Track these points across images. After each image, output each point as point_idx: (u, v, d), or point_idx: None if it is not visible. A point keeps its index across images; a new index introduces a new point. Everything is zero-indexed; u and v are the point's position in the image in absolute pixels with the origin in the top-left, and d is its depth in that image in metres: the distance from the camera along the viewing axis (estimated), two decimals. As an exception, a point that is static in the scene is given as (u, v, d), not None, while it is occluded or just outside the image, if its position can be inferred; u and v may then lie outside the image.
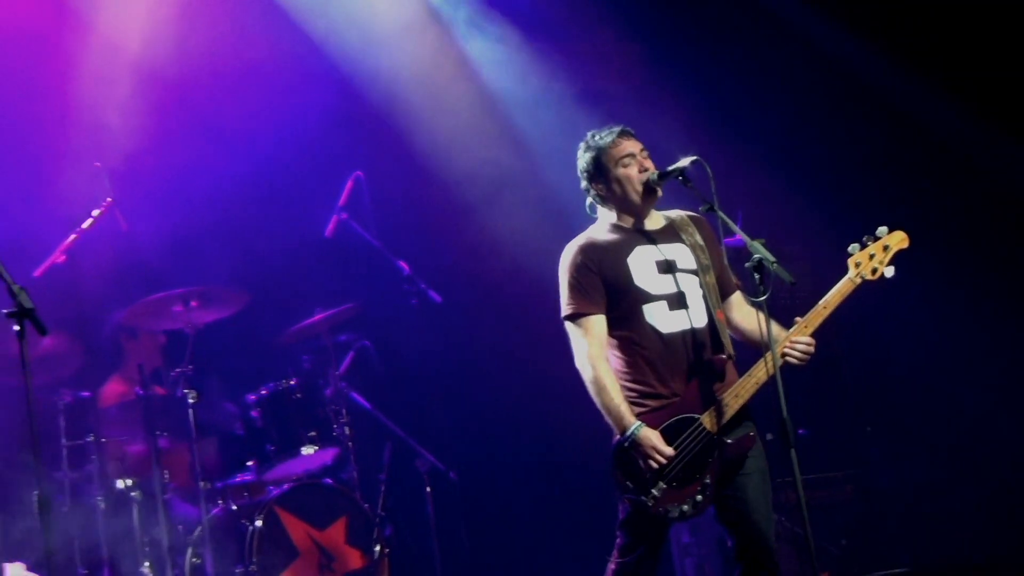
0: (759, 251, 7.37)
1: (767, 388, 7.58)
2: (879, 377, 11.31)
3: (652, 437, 7.40)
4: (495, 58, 12.59)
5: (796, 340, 7.57)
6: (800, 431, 8.08)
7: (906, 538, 11.12)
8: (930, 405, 11.49)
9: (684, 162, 7.67)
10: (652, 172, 7.76)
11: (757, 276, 7.36)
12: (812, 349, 7.58)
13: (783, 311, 7.74)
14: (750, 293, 7.60)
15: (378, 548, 10.24)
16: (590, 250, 7.77)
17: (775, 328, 7.56)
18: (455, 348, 11.95)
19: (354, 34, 12.25)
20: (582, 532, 8.56)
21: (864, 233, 7.78)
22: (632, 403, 7.55)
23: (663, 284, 7.74)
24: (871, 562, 10.89)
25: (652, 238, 7.83)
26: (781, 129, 12.19)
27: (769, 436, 8.13)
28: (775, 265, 7.33)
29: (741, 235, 7.62)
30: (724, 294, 7.93)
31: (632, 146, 7.82)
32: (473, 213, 12.23)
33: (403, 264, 11.31)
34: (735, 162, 9.38)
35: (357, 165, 11.57)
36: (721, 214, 7.63)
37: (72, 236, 10.18)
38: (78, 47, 11.35)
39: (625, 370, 7.70)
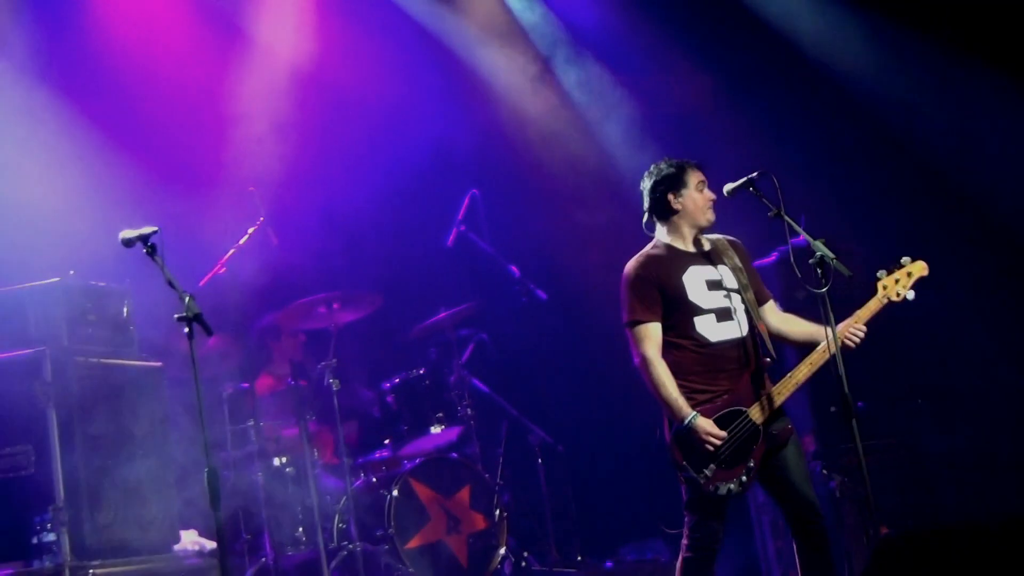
0: (821, 249, 7.41)
1: (825, 370, 7.66)
2: (928, 357, 11.08)
3: (707, 424, 7.46)
4: (587, 88, 12.38)
5: (855, 329, 7.64)
6: (859, 404, 7.84)
7: (953, 496, 10.81)
8: (971, 381, 11.20)
9: (753, 175, 7.69)
10: (727, 186, 7.75)
11: (820, 271, 7.42)
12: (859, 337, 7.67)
13: (841, 302, 7.55)
14: (813, 286, 7.50)
15: (497, 512, 10.17)
16: (650, 265, 7.78)
17: (812, 325, 7.78)
18: (560, 338, 11.82)
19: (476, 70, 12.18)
20: (669, 498, 8.38)
21: (898, 253, 7.85)
22: (684, 395, 7.61)
23: (712, 300, 7.76)
24: (922, 517, 10.59)
25: (702, 259, 7.85)
26: (836, 147, 12.10)
27: (832, 408, 8.44)
28: (835, 261, 7.40)
29: (804, 235, 7.62)
30: (760, 304, 7.93)
31: (701, 177, 7.86)
32: (569, 221, 12.07)
33: (513, 268, 11.24)
34: (794, 174, 9.17)
35: (473, 183, 11.50)
36: (787, 218, 7.63)
37: (230, 251, 10.16)
38: (235, 88, 11.35)
39: (680, 370, 7.68)
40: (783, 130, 11.86)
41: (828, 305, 7.41)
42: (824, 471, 9.55)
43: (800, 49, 12.34)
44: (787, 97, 12.22)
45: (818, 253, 7.42)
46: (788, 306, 8.10)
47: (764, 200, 7.64)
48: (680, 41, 12.18)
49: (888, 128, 12.07)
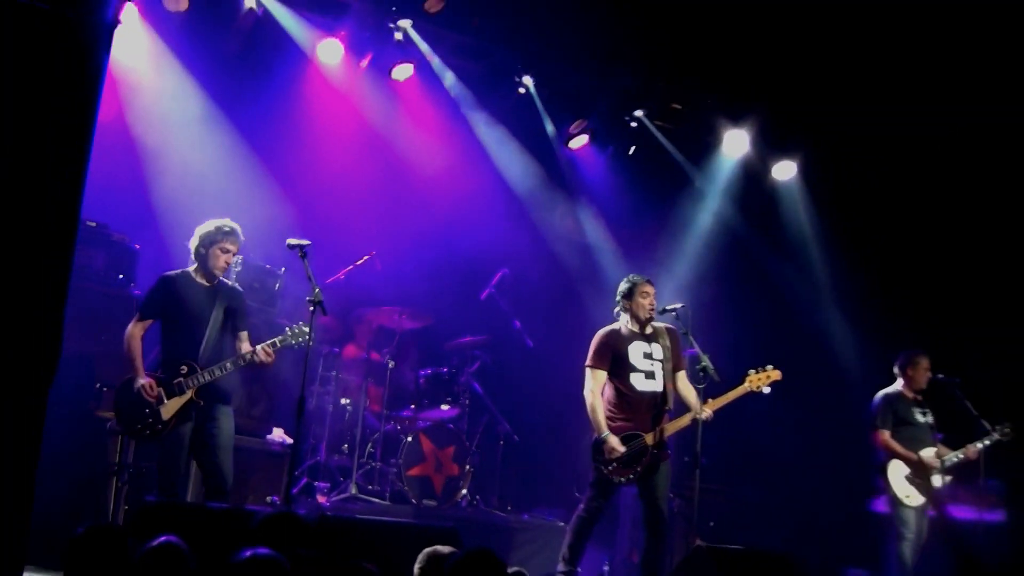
0: (703, 360, 7.78)
1: (689, 433, 8.02)
2: (753, 436, 11.04)
3: (614, 440, 7.83)
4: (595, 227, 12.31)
5: (708, 411, 7.87)
6: (703, 459, 8.08)
7: (753, 530, 10.90)
8: (780, 453, 11.29)
9: (676, 305, 8.12)
10: (653, 308, 8.09)
11: (702, 374, 7.81)
12: (712, 416, 7.88)
13: (709, 391, 7.95)
14: (694, 382, 8.02)
15: (467, 467, 10.16)
16: (612, 335, 8.10)
17: (697, 400, 7.90)
18: (533, 371, 11.59)
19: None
20: (580, 479, 8.65)
21: (760, 364, 8.08)
22: (609, 420, 7.90)
23: (644, 364, 8.04)
24: (729, 539, 10.66)
25: (643, 338, 8.11)
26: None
27: (686, 458, 8.43)
28: (710, 369, 7.78)
29: (696, 349, 7.92)
30: (675, 372, 8.13)
31: (651, 290, 8.14)
32: (554, 302, 12.09)
33: (516, 322, 11.22)
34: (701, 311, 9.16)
35: (505, 264, 11.34)
36: (691, 337, 8.00)
37: (349, 267, 10.19)
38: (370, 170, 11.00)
39: (611, 404, 8.01)
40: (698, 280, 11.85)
41: (698, 393, 7.88)
42: (671, 495, 9.31)
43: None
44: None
45: (703, 364, 7.81)
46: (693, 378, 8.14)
47: (678, 322, 8.02)
48: (647, 207, 12.18)
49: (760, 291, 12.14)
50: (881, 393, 9.29)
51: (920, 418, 9.29)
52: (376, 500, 9.75)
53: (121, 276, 8.83)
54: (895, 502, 9.15)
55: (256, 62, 10.15)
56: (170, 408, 7.19)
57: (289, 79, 10.35)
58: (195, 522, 5.56)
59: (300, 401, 6.99)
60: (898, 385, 9.39)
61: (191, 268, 7.47)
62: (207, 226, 7.41)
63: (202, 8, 9.58)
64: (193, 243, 7.43)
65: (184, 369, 7.24)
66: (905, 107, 10.44)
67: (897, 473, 9.15)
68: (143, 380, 7.19)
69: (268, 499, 8.78)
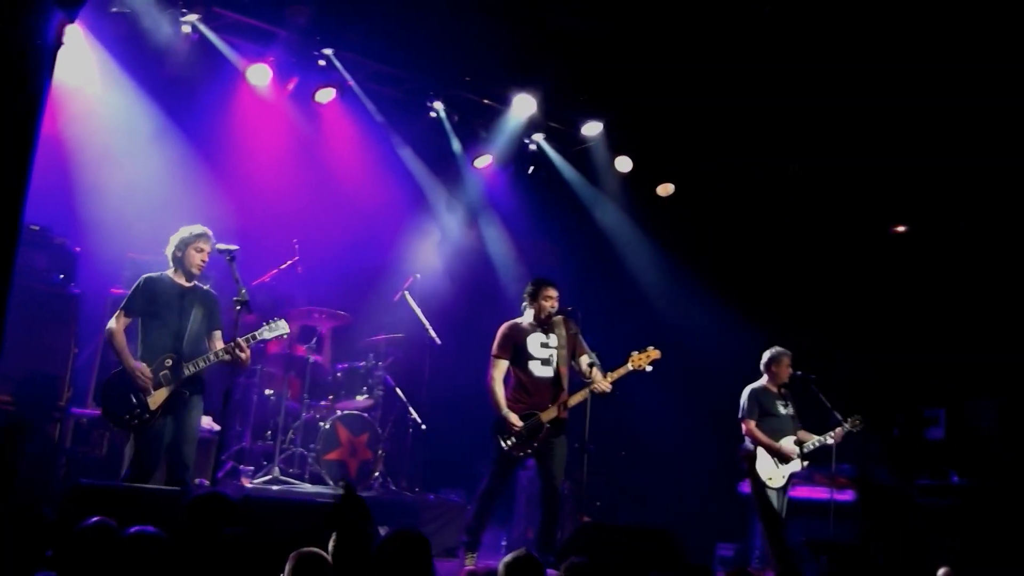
0: (592, 358, 8.13)
1: (577, 423, 8.12)
2: (633, 426, 11.36)
3: (512, 417, 7.98)
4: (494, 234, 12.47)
5: (600, 386, 8.06)
6: (590, 446, 8.28)
7: (631, 508, 11.21)
8: (658, 443, 11.52)
9: (570, 308, 8.31)
10: (555, 307, 8.23)
11: (590, 370, 8.10)
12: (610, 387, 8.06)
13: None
14: (585, 379, 8.17)
15: (379, 452, 10.17)
16: (513, 328, 8.26)
17: (598, 373, 8.09)
18: (440, 365, 11.21)
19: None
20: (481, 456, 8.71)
21: (642, 344, 8.28)
22: (511, 402, 8.04)
23: (541, 352, 8.19)
24: (613, 517, 11.00)
25: (541, 329, 8.26)
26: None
27: (576, 445, 8.42)
28: (598, 366, 8.09)
29: (586, 350, 8.19)
30: (573, 357, 8.24)
31: (554, 293, 8.30)
32: (462, 300, 12.03)
33: (426, 322, 10.82)
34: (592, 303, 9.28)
35: (415, 267, 11.42)
36: (579, 337, 8.23)
37: (274, 271, 10.23)
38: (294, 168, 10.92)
39: (513, 389, 8.14)
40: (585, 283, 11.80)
41: (593, 369, 8.05)
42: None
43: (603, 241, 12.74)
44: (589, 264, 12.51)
45: (590, 361, 8.06)
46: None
47: (570, 319, 8.26)
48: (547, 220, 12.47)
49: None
50: (749, 387, 9.47)
51: (782, 410, 9.56)
52: (296, 482, 9.74)
53: (62, 276, 8.78)
54: (759, 484, 9.40)
55: (193, 80, 10.07)
56: (157, 398, 7.16)
57: (223, 97, 10.33)
58: (127, 503, 5.59)
59: (227, 392, 7.08)
60: (763, 380, 9.68)
61: (169, 271, 7.46)
62: (181, 231, 7.40)
63: (143, 30, 9.50)
64: (169, 249, 7.42)
65: (169, 362, 7.22)
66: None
67: (762, 459, 9.38)
68: (137, 364, 7.16)
69: (196, 481, 8.67)
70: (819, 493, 10.05)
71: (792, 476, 9.37)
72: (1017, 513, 9.44)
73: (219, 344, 7.43)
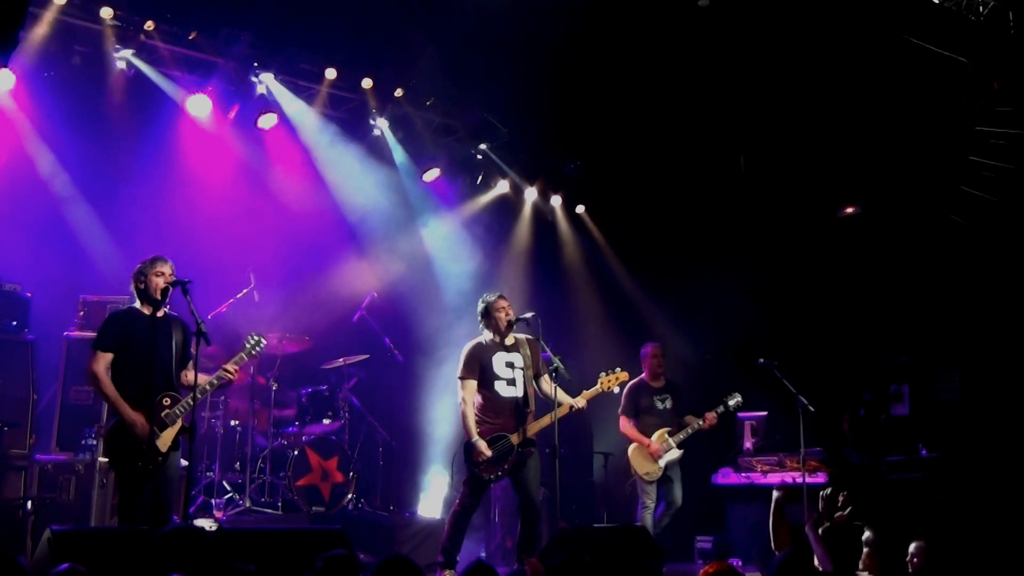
0: (555, 362, 8.03)
1: (549, 428, 8.02)
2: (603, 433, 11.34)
3: (481, 444, 7.95)
4: (447, 246, 12.42)
5: (580, 403, 8.15)
6: (562, 451, 8.27)
7: (604, 511, 11.18)
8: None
9: (527, 315, 8.27)
10: (512, 317, 8.19)
11: (554, 374, 8.05)
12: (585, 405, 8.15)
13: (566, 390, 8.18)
14: (553, 381, 8.15)
15: (351, 474, 10.17)
16: (477, 348, 8.19)
17: (565, 395, 8.14)
18: (404, 383, 11.58)
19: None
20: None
21: (611, 366, 8.39)
22: (478, 423, 8.01)
23: (506, 372, 8.16)
24: (588, 518, 11.03)
25: (504, 348, 8.21)
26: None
27: (548, 450, 8.46)
28: (563, 369, 8.03)
29: (549, 353, 8.21)
30: (536, 378, 8.25)
31: (504, 303, 8.27)
32: (420, 316, 11.95)
33: (387, 340, 11.12)
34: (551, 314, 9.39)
35: (372, 286, 11.42)
36: (542, 341, 8.23)
37: (231, 300, 10.13)
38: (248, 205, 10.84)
39: (479, 410, 8.10)
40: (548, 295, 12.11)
41: (556, 390, 8.04)
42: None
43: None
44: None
45: (554, 365, 8.04)
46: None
47: (530, 328, 8.24)
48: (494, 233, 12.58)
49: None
50: (628, 383, 9.36)
51: (659, 405, 9.75)
52: (269, 511, 9.74)
53: (15, 323, 8.72)
54: (638, 478, 9.65)
55: (134, 115, 10.02)
56: (165, 439, 6.93)
57: (166, 129, 10.32)
58: (99, 546, 5.53)
59: (191, 426, 6.97)
60: (643, 375, 9.82)
61: (136, 303, 7.21)
62: (139, 266, 7.17)
63: (77, 68, 9.56)
64: (132, 285, 7.19)
65: (167, 401, 7.01)
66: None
67: (636, 455, 9.63)
68: (136, 416, 6.84)
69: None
70: (791, 477, 10.08)
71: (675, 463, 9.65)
72: (985, 481, 9.53)
73: (191, 374, 7.12)
